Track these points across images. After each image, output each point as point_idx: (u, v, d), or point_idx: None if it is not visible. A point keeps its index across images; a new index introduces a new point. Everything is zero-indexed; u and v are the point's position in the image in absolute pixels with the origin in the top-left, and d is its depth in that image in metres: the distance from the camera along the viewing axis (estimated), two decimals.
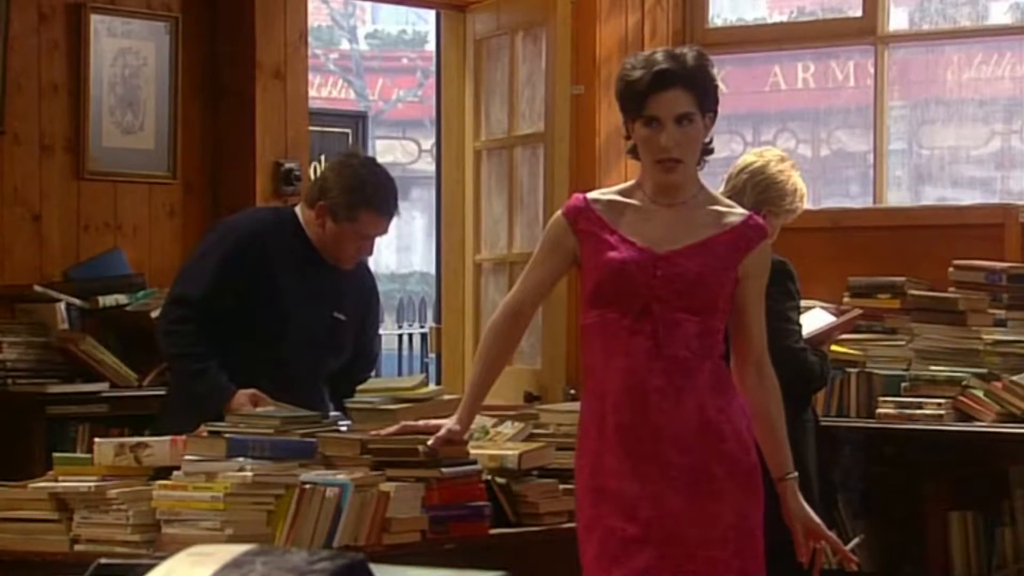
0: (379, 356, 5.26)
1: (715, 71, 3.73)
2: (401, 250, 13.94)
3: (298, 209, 4.85)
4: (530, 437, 4.43)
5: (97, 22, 6.21)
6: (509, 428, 4.43)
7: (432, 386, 4.62)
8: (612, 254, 3.62)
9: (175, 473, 3.95)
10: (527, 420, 4.52)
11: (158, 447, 4.06)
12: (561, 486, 4.26)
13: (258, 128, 6.44)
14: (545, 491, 4.27)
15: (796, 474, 3.72)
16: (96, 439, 4.18)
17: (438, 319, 7.44)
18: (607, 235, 3.64)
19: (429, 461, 4.00)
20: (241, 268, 4.69)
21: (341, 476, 3.97)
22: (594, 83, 7.03)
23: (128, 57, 6.31)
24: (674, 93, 3.58)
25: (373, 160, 5.17)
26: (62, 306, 5.83)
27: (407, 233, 14.33)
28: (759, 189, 4.94)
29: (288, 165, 6.54)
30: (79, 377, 5.73)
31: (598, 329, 3.64)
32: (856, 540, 5.04)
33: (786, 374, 4.91)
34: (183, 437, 4.04)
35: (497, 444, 4.36)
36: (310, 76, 7.01)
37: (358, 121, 9.18)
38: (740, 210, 3.73)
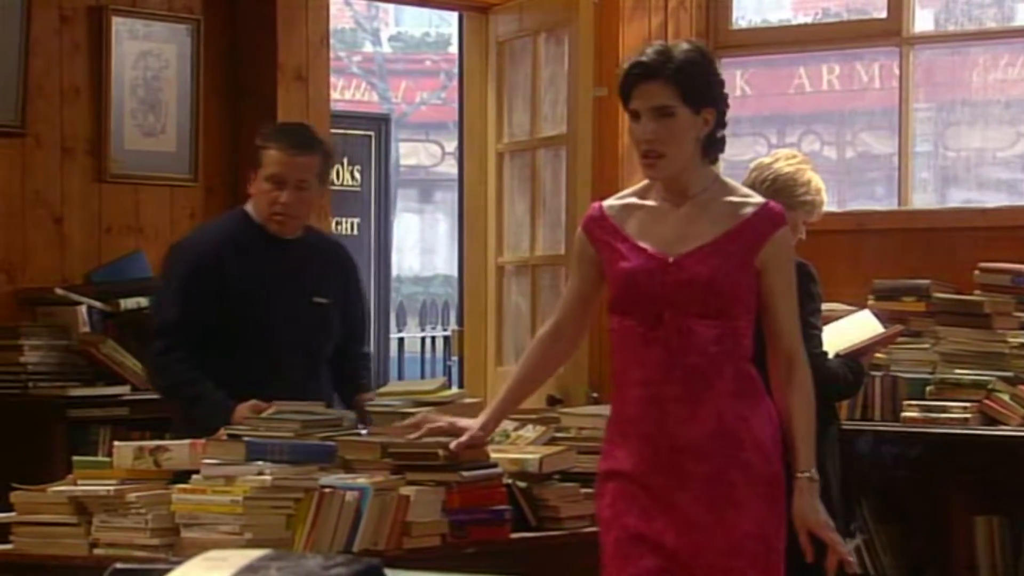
0: (368, 327, 5.10)
1: (714, 66, 3.66)
2: (424, 253, 13.92)
3: (248, 204, 4.78)
4: (551, 441, 4.41)
5: (118, 24, 6.21)
6: (530, 431, 4.41)
7: (454, 389, 4.60)
8: (623, 264, 3.58)
9: (194, 477, 3.95)
10: (548, 423, 4.50)
11: (177, 450, 4.05)
12: (582, 490, 4.23)
13: None
14: (566, 495, 4.25)
15: (813, 475, 3.62)
16: (115, 442, 4.17)
17: (461, 322, 7.42)
18: (619, 243, 3.61)
19: (449, 464, 3.98)
20: (205, 285, 4.63)
21: (361, 480, 3.95)
22: (617, 85, 7.00)
23: (149, 59, 6.30)
24: (653, 85, 3.53)
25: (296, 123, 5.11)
26: (83, 309, 5.83)
27: (430, 236, 14.32)
28: (767, 183, 4.93)
29: None
30: (100, 380, 5.72)
31: (619, 337, 3.61)
32: (856, 541, 5.00)
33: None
34: (202, 440, 4.03)
35: (518, 447, 4.34)
36: (333, 79, 7.01)
37: (381, 124, 9.17)
38: (756, 199, 3.64)
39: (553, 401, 6.31)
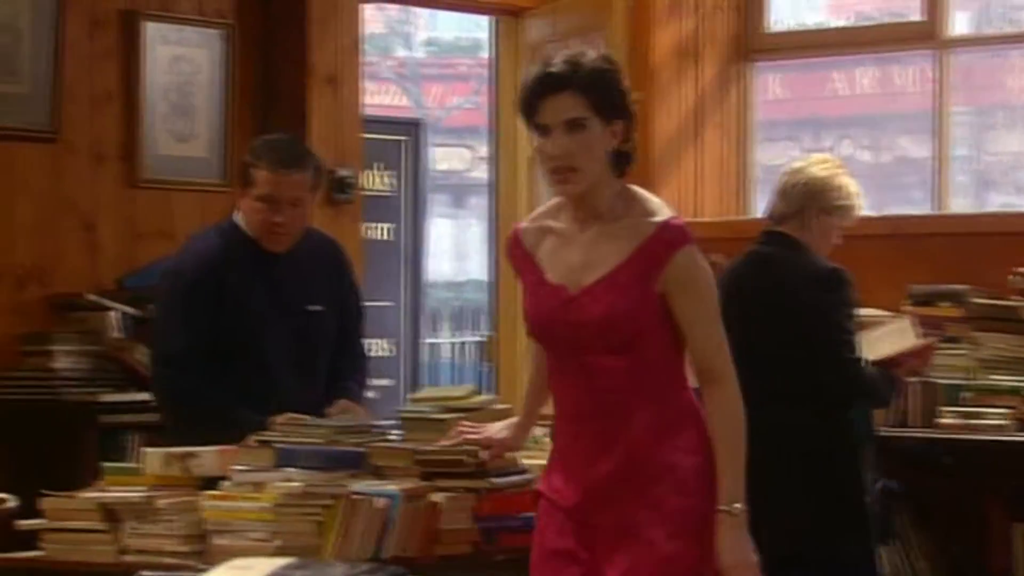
0: (362, 329, 4.94)
1: (622, 76, 3.39)
2: (457, 258, 13.92)
3: (236, 216, 4.72)
4: None
5: (150, 29, 6.22)
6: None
7: (485, 395, 4.57)
8: (529, 299, 3.44)
9: (223, 483, 3.93)
10: None
11: (207, 457, 4.04)
12: None
13: (311, 135, 6.41)
14: None
15: (734, 510, 3.31)
16: (144, 448, 4.16)
17: (493, 327, 7.39)
18: (528, 274, 3.45)
19: (479, 471, 3.96)
20: (203, 308, 4.58)
21: (390, 486, 3.93)
22: (650, 89, 6.98)
23: (181, 64, 6.30)
24: (563, 97, 3.31)
25: (284, 134, 5.07)
26: (115, 315, 5.83)
27: (463, 241, 14.32)
28: (801, 189, 4.91)
29: (341, 173, 6.52)
30: (131, 386, 5.71)
31: (548, 366, 3.48)
32: (892, 548, 4.95)
33: (841, 386, 4.87)
34: (232, 447, 4.02)
35: (548, 453, 4.31)
36: (366, 83, 7.00)
37: (414, 128, 9.15)
38: (657, 217, 3.36)
39: None
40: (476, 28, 10.26)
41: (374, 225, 8.39)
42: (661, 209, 3.39)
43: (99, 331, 5.83)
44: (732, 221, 7.02)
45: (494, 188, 7.41)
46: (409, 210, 8.75)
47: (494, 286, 7.49)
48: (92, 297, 5.89)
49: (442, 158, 14.57)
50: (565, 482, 3.41)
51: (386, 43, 15.72)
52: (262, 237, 4.62)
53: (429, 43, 16.57)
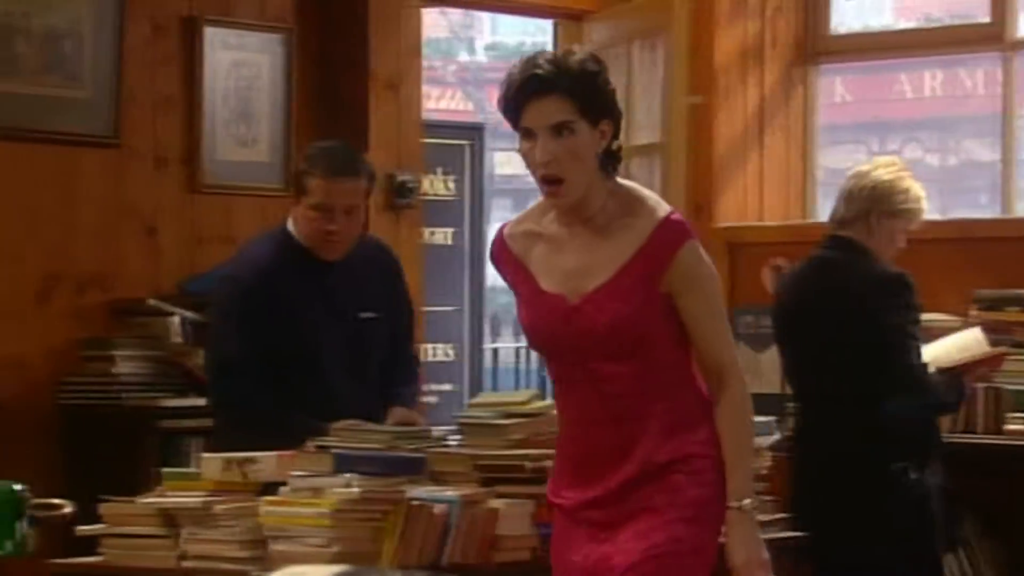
0: (413, 333, 4.95)
1: (608, 74, 3.28)
2: None
3: (288, 223, 4.71)
4: None
5: (211, 34, 6.22)
6: None
7: (546, 400, 4.54)
8: (525, 311, 3.34)
9: (282, 489, 3.92)
10: None
11: (265, 462, 4.03)
12: None
13: (372, 140, 6.40)
14: None
15: (745, 506, 3.26)
16: (203, 454, 4.15)
17: None
18: (520, 284, 3.34)
19: (539, 477, 3.92)
20: (258, 317, 4.57)
21: (450, 492, 3.91)
22: (712, 92, 6.93)
23: (242, 69, 6.30)
24: (549, 101, 3.19)
25: (336, 140, 5.06)
26: (176, 320, 5.83)
27: None
28: (865, 193, 4.87)
29: (402, 177, 6.50)
30: (192, 391, 5.70)
31: (550, 373, 3.40)
32: (958, 555, 4.89)
33: (905, 390, 4.82)
34: (290, 452, 4.00)
35: None
36: (428, 88, 6.99)
37: (476, 133, 9.14)
38: (655, 214, 3.25)
39: None
40: (538, 32, 10.24)
41: (436, 230, 8.39)
42: (658, 205, 3.28)
43: (160, 336, 5.83)
44: (795, 225, 6.97)
45: None
46: (471, 214, 8.74)
47: None
48: (153, 302, 5.90)
49: (504, 162, 14.56)
50: (578, 488, 3.31)
51: (449, 48, 15.73)
52: (316, 245, 4.61)
53: (491, 47, 16.57)
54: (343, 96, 6.47)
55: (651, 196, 3.31)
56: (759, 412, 4.75)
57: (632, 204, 3.27)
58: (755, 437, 3.43)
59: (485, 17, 14.78)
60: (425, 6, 6.84)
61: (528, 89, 3.21)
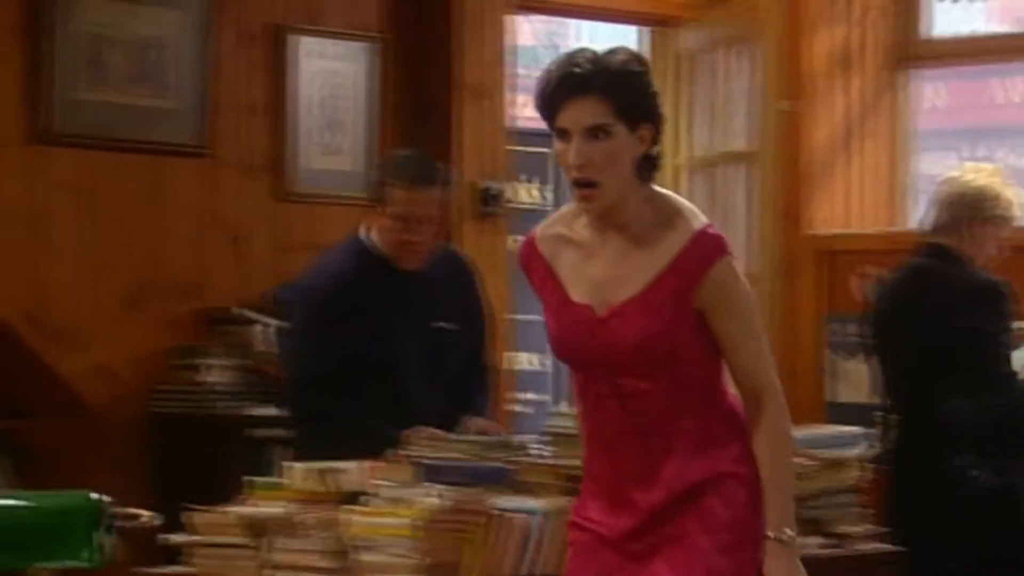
0: (488, 343, 4.89)
1: (651, 75, 3.13)
2: None
3: (362, 233, 4.69)
4: None
5: (299, 43, 6.24)
6: None
7: None
8: (552, 321, 3.18)
9: (367, 498, 3.90)
10: None
11: (350, 472, 4.01)
12: None
13: (459, 148, 6.39)
14: None
15: (783, 536, 3.08)
16: (286, 463, 4.15)
17: None
18: (548, 292, 3.18)
19: None
20: (335, 329, 4.55)
21: (535, 502, 3.88)
22: (804, 98, 6.87)
23: (330, 78, 6.32)
24: (585, 101, 3.03)
25: (412, 149, 5.02)
26: (263, 328, 5.84)
27: None
28: (955, 199, 4.80)
29: (488, 185, 6.48)
30: (279, 400, 5.70)
31: (574, 384, 3.24)
32: None
33: (997, 399, 4.74)
34: (376, 462, 3.99)
35: None
36: (517, 96, 6.97)
37: None
38: (690, 226, 3.09)
39: None
40: (628, 40, 10.20)
41: (522, 238, 8.35)
42: (694, 217, 3.11)
43: (248, 344, 5.85)
44: (888, 232, 6.88)
45: None
46: None
47: None
48: (239, 310, 5.91)
49: None
50: (609, 511, 3.17)
51: (538, 56, 15.77)
52: (397, 255, 4.60)
53: None
54: (430, 104, 6.47)
55: (688, 207, 3.16)
56: (849, 421, 4.72)
57: (667, 214, 3.11)
58: (794, 461, 3.20)
59: (575, 25, 14.76)
60: (514, 14, 6.83)
61: (565, 88, 3.05)
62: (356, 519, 3.86)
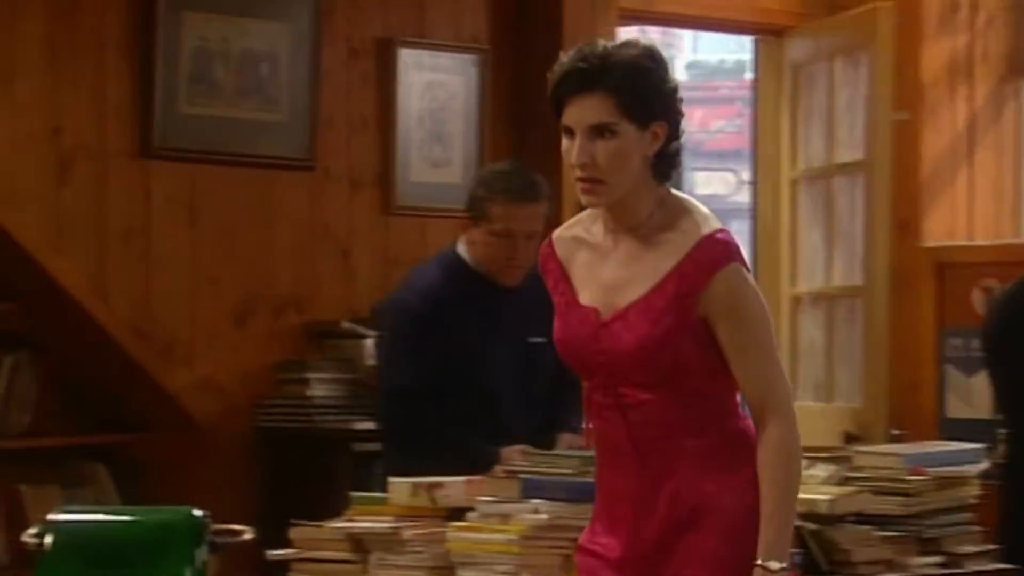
0: None
1: (665, 70, 2.99)
2: None
3: (459, 247, 4.65)
4: (844, 481, 4.20)
5: (406, 56, 6.21)
6: (820, 470, 4.21)
7: None
8: (558, 323, 3.09)
9: (470, 514, 3.86)
10: (841, 462, 4.29)
11: (453, 487, 3.98)
12: (877, 533, 4.03)
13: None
14: (860, 539, 4.04)
15: (771, 566, 2.90)
16: (390, 478, 4.11)
17: None
18: (558, 295, 3.07)
19: None
20: (430, 344, 4.51)
21: None
22: (919, 108, 6.75)
23: (436, 90, 6.29)
24: (590, 99, 2.92)
25: (510, 162, 4.97)
26: (369, 342, 5.81)
27: None
28: None
29: None
30: (374, 412, 5.68)
31: (584, 394, 3.12)
32: None
33: None
34: (478, 477, 3.95)
35: (808, 487, 4.13)
36: None
37: None
38: (700, 230, 2.96)
39: (851, 438, 6.08)
40: (739, 50, 10.12)
41: None
42: (704, 221, 2.98)
43: (354, 358, 5.83)
44: (1007, 244, 6.75)
45: (756, 212, 7.23)
46: None
47: None
48: (347, 324, 5.90)
49: (705, 182, 14.40)
50: (611, 533, 3.05)
51: None
52: (496, 271, 4.56)
53: (692, 66, 16.48)
54: (537, 116, 6.40)
55: (700, 210, 3.02)
56: (969, 438, 4.61)
57: (677, 217, 2.99)
58: (799, 486, 3.01)
59: (686, 36, 14.70)
60: (623, 25, 6.76)
61: (570, 85, 2.96)
62: (459, 535, 3.83)
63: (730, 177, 14.76)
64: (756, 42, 7.25)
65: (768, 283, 6.98)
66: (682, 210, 3.00)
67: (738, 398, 3.02)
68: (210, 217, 5.86)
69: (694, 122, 16.96)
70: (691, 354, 2.95)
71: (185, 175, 5.82)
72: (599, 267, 3.03)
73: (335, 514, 4.12)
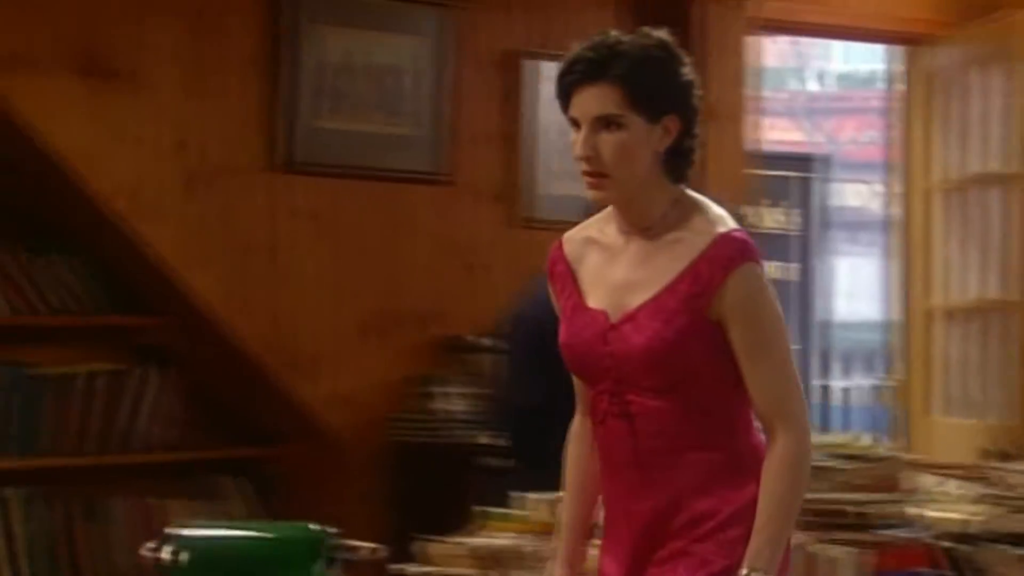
0: None
1: (678, 61, 2.85)
2: (850, 297, 13.50)
3: None
4: (980, 498, 4.11)
5: (536, 68, 6.19)
6: (954, 487, 4.12)
7: (879, 443, 4.35)
8: (563, 326, 2.91)
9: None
10: (976, 479, 4.20)
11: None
12: (1015, 552, 3.93)
13: (701, 172, 6.21)
14: (999, 558, 3.95)
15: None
16: (514, 493, 4.09)
17: (889, 370, 7.11)
18: (564, 298, 2.93)
19: (861, 523, 3.74)
20: (548, 356, 4.45)
21: None
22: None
23: None
24: (595, 90, 2.80)
25: None
26: (496, 356, 5.79)
27: (856, 280, 13.92)
28: None
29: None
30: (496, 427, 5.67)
31: (588, 403, 2.99)
32: None
33: None
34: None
35: (944, 505, 4.05)
36: (761, 118, 6.84)
37: (812, 164, 8.95)
38: (714, 229, 2.81)
39: (988, 455, 5.95)
40: (875, 59, 10.00)
41: (769, 263, 8.22)
42: (720, 219, 2.83)
43: (482, 373, 5.82)
44: None
45: (891, 224, 7.12)
46: (801, 248, 8.55)
47: (895, 326, 7.18)
48: (475, 338, 5.89)
49: (839, 194, 14.23)
50: (613, 545, 2.95)
51: (782, 77, 15.53)
52: None
53: (827, 76, 16.30)
54: None
55: (715, 209, 2.88)
56: None
57: (692, 216, 2.84)
58: (800, 501, 2.83)
59: (823, 45, 14.57)
60: (763, 35, 6.70)
61: (576, 74, 2.84)
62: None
63: (864, 189, 14.57)
64: (896, 51, 7.15)
65: (914, 295, 6.88)
66: (696, 209, 2.86)
67: (752, 415, 2.88)
68: (342, 231, 5.88)
69: (829, 132, 16.81)
70: (702, 360, 2.82)
71: (317, 189, 5.84)
72: (609, 268, 2.91)
73: (463, 529, 4.11)
